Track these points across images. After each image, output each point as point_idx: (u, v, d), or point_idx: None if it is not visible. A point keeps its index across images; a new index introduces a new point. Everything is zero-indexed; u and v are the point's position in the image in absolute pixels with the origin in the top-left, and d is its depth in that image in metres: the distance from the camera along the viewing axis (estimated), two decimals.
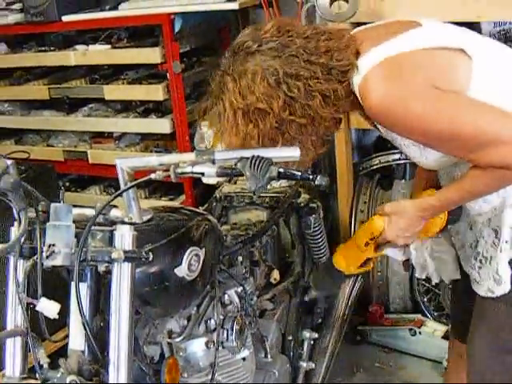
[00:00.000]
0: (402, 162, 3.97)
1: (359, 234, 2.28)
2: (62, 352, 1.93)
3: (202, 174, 1.70)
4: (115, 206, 1.89)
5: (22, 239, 1.82)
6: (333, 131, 2.09)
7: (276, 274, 2.86)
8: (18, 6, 4.52)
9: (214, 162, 1.73)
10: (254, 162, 1.62)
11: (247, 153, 1.68)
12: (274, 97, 1.90)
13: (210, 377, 2.27)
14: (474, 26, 3.30)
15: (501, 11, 3.02)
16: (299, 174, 1.65)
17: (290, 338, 2.95)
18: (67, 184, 4.89)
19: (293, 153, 1.74)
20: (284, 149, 1.81)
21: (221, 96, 1.98)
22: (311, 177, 1.65)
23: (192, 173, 1.72)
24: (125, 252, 1.76)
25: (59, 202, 1.82)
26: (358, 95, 1.96)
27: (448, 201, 2.07)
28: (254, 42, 1.94)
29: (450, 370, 2.93)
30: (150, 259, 1.82)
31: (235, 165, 1.66)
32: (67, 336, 1.91)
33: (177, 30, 3.99)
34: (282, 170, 1.62)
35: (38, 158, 4.62)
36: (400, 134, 2.02)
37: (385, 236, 2.18)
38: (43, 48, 4.72)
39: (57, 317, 1.77)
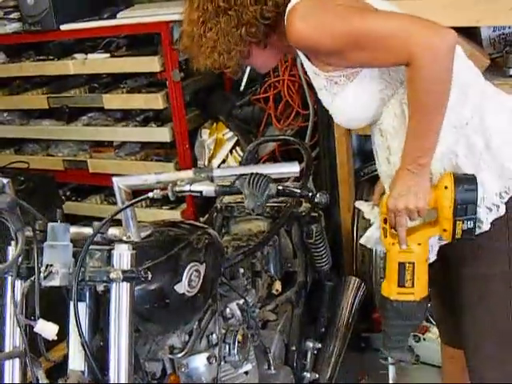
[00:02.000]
0: None
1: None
2: (59, 367, 1.92)
3: (201, 192, 1.68)
4: (114, 225, 1.87)
5: (20, 259, 1.80)
6: (258, 41, 2.12)
7: (278, 285, 2.84)
8: (15, 15, 4.48)
9: (212, 179, 1.71)
10: (252, 179, 1.59)
11: (246, 170, 1.66)
12: None
13: None
14: (473, 30, 3.29)
15: (500, 16, 3.00)
16: (298, 191, 1.63)
17: (294, 348, 2.91)
18: (68, 193, 4.87)
19: (292, 168, 1.72)
20: (284, 165, 1.79)
21: None
22: (311, 194, 1.62)
23: (190, 191, 1.70)
24: (123, 272, 1.74)
25: (57, 220, 1.80)
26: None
27: (411, 138, 1.99)
28: None
29: (444, 373, 2.94)
30: (149, 278, 1.80)
31: (234, 182, 1.64)
32: (66, 354, 1.89)
33: (176, 38, 3.97)
34: (281, 187, 1.59)
35: (37, 168, 4.62)
36: (321, 57, 2.04)
37: (388, 208, 2.06)
38: (42, 57, 4.69)
39: (55, 338, 1.75)
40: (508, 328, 2.21)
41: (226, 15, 2.03)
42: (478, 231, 2.08)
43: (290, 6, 1.97)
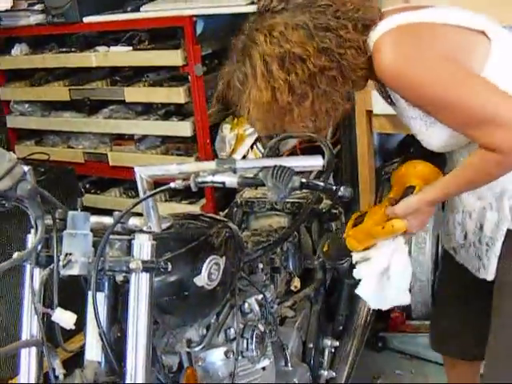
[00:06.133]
0: None
1: (376, 232, 2.19)
2: (77, 358, 1.91)
3: (223, 183, 1.66)
4: (135, 214, 1.86)
5: (39, 247, 1.79)
6: (359, 87, 2.07)
7: (297, 282, 2.82)
8: (39, 6, 4.48)
9: (235, 171, 1.69)
10: (276, 171, 1.58)
11: (269, 162, 1.64)
12: (308, 44, 1.87)
13: None
14: None
15: None
16: (322, 184, 1.61)
17: (311, 345, 2.90)
18: (87, 186, 4.85)
19: (316, 162, 1.70)
20: (307, 158, 1.77)
21: (249, 51, 1.95)
22: (334, 188, 1.61)
23: (212, 182, 1.68)
24: (143, 262, 1.73)
25: (77, 209, 1.78)
26: (371, 54, 1.93)
27: (449, 191, 2.08)
28: (279, 2, 1.94)
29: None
30: (169, 269, 1.79)
31: (257, 174, 1.62)
32: (83, 345, 1.88)
33: (199, 32, 3.95)
34: (304, 180, 1.57)
35: (58, 160, 4.60)
36: (404, 98, 1.99)
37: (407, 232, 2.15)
38: (64, 49, 4.68)
39: (73, 327, 1.74)
40: None
41: (327, 76, 1.92)
42: None
43: (375, 34, 1.92)
